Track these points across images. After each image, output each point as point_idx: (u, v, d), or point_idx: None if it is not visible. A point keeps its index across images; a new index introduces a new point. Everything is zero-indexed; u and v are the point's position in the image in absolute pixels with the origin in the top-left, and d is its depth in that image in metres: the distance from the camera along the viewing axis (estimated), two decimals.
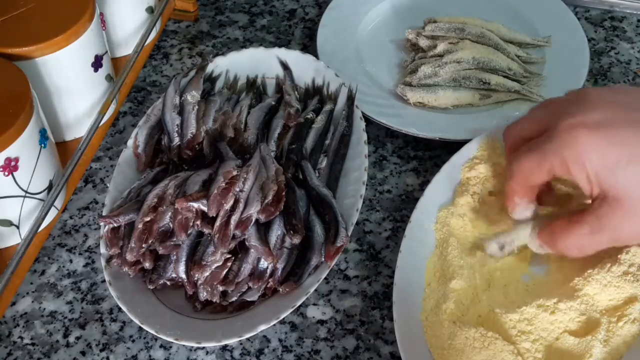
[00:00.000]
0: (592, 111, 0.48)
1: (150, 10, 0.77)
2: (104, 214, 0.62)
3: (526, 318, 0.56)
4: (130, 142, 0.67)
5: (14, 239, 0.61)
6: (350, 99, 0.69)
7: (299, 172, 0.64)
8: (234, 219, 0.57)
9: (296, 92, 0.71)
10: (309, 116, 0.68)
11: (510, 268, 0.61)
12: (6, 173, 0.57)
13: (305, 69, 0.72)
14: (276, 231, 0.58)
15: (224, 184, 0.58)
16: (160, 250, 0.58)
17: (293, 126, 0.67)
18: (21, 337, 0.60)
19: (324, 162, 0.65)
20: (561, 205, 0.59)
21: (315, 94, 0.71)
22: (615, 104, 0.49)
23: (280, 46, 0.75)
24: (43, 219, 0.60)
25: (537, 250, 0.57)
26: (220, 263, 0.57)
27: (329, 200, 0.61)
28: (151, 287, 0.59)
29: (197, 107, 0.68)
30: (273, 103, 0.70)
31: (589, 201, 0.52)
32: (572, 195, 0.60)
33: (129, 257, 0.57)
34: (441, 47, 0.75)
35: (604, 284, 0.56)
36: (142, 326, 0.56)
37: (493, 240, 0.58)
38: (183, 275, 0.58)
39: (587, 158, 0.48)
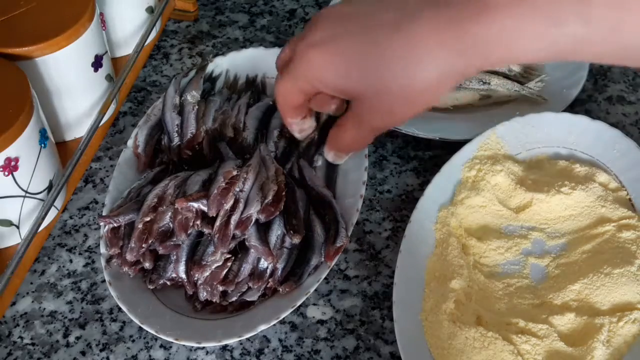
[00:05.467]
0: (317, 30, 0.52)
1: (150, 10, 0.77)
2: (104, 214, 0.62)
3: (526, 319, 0.56)
4: (130, 142, 0.67)
5: (14, 239, 0.61)
6: None
7: (295, 170, 0.64)
8: (234, 219, 0.57)
9: None
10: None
11: (510, 268, 0.61)
12: (6, 173, 0.57)
13: None
14: (276, 231, 0.58)
15: (224, 184, 0.58)
16: (160, 250, 0.58)
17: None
18: (21, 337, 0.60)
19: (319, 161, 0.65)
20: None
21: None
22: (339, 19, 0.52)
23: (280, 46, 0.75)
24: (43, 219, 0.60)
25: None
26: (220, 263, 0.57)
27: (329, 200, 0.61)
28: (151, 287, 0.59)
29: (197, 107, 0.68)
30: (271, 103, 0.69)
31: None
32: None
33: (129, 257, 0.57)
34: None
35: (605, 284, 0.56)
36: (142, 326, 0.56)
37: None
38: (183, 275, 0.58)
39: (323, 74, 0.51)
